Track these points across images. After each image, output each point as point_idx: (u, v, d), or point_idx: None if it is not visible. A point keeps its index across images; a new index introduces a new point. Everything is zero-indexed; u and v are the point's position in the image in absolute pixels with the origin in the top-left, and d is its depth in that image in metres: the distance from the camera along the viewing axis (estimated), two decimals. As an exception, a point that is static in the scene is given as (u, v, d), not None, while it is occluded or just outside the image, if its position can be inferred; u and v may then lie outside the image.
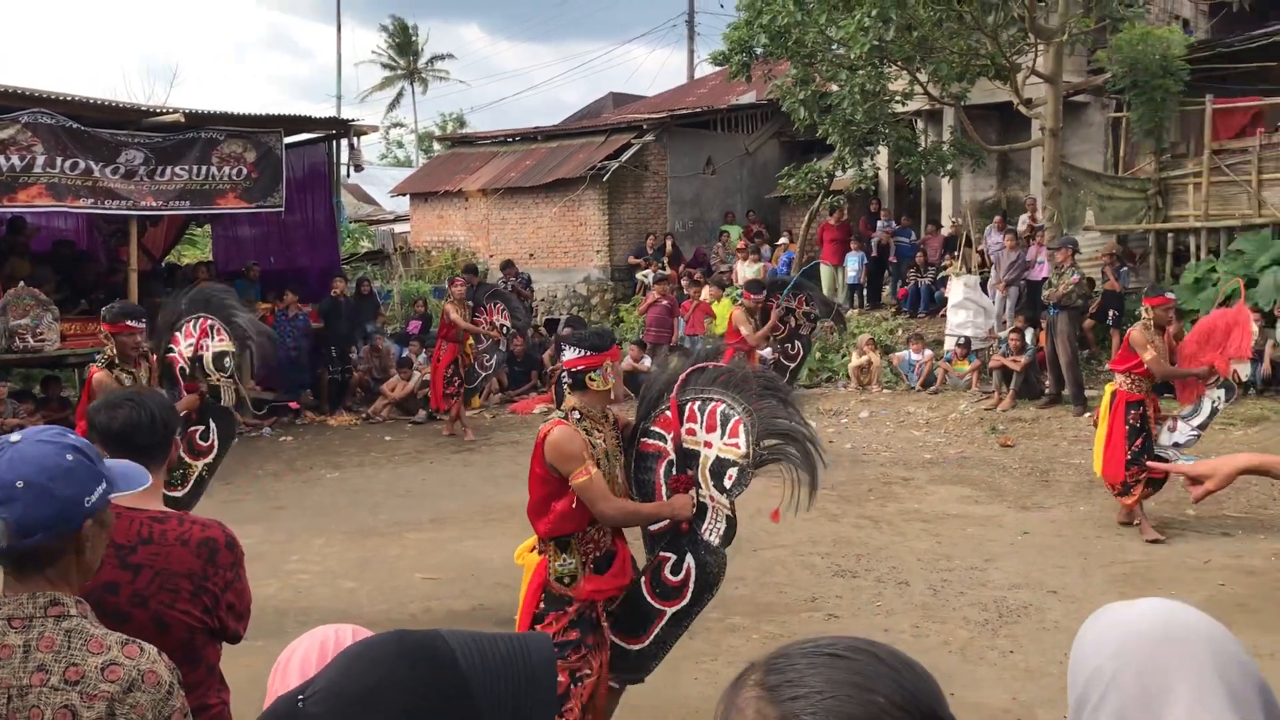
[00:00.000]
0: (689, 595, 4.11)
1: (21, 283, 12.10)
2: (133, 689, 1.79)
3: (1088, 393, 12.62)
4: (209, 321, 6.70)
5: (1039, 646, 5.89)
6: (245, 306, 7.42)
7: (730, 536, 4.08)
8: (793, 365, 10.88)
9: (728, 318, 11.17)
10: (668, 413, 4.14)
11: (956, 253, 16.19)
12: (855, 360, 14.68)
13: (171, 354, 6.64)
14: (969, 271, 15.21)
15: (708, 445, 4.03)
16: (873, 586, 7.02)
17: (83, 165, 11.85)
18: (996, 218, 15.81)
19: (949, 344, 14.54)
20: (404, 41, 51.18)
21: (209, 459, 6.52)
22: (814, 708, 1.00)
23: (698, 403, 4.08)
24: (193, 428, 6.44)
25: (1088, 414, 12.24)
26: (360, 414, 14.40)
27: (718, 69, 21.64)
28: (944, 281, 15.77)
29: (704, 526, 4.09)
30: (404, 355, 15.13)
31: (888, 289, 17.62)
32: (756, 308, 10.64)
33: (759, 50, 16.24)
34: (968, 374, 13.97)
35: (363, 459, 11.81)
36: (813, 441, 4.00)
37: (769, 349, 11.07)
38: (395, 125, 51.94)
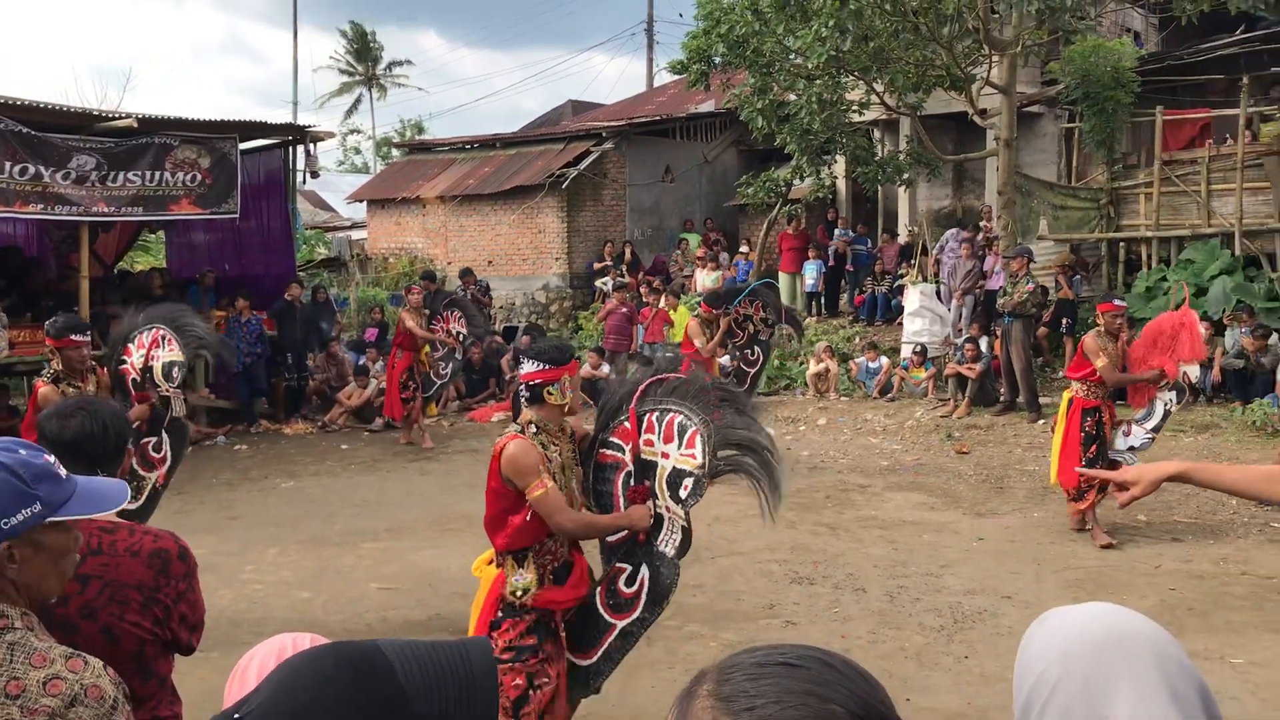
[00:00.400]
0: (640, 607, 4.09)
1: (-31, 289, 11.91)
2: (75, 704, 1.76)
3: (1042, 400, 12.76)
4: (160, 331, 6.62)
5: (994, 651, 5.94)
6: (199, 318, 7.34)
7: (685, 548, 4.07)
8: (753, 371, 10.95)
9: (685, 326, 11.22)
10: (626, 424, 4.13)
11: (913, 261, 16.34)
12: (813, 368, 14.76)
13: (124, 365, 6.56)
14: (925, 280, 15.35)
15: (665, 456, 4.02)
16: (830, 593, 7.06)
17: (32, 170, 11.67)
18: (963, 230, 15.92)
19: (905, 351, 14.67)
20: (362, 47, 50.97)
21: (162, 470, 6.44)
22: (770, 718, 0.99)
23: (656, 413, 4.07)
24: (145, 439, 6.35)
25: (1042, 421, 12.38)
26: (316, 422, 14.27)
27: (676, 77, 21.71)
28: (901, 290, 15.90)
29: (659, 538, 4.07)
30: (361, 363, 15.03)
31: (845, 297, 17.74)
32: (713, 320, 10.71)
33: (717, 59, 16.31)
34: (924, 381, 14.09)
35: (319, 468, 11.71)
36: (771, 451, 4.01)
37: (727, 357, 11.12)
38: (353, 131, 51.69)
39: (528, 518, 3.95)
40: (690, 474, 3.93)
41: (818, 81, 14.99)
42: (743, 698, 1.01)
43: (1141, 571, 7.47)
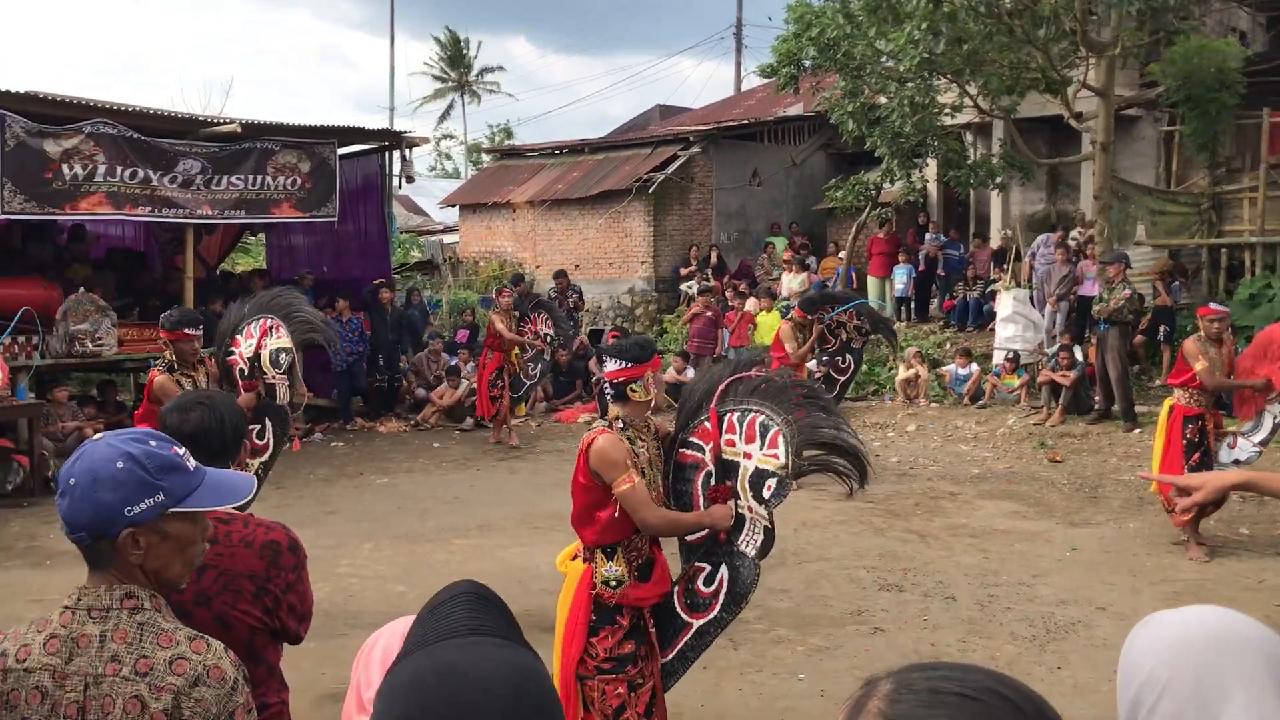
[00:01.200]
0: (718, 608, 4.10)
1: (81, 289, 12.37)
2: (198, 683, 1.84)
3: (1138, 409, 12.48)
4: (269, 321, 6.81)
5: (1088, 663, 5.84)
6: (299, 299, 7.50)
7: (767, 548, 4.06)
8: (843, 379, 10.87)
9: (773, 330, 11.19)
10: (706, 423, 4.14)
11: (1005, 266, 16.08)
12: (902, 374, 14.62)
13: (231, 356, 6.77)
14: (1018, 285, 15.09)
15: (747, 456, 4.02)
16: (919, 601, 7.00)
17: (142, 174, 12.10)
18: (1055, 234, 15.60)
19: (997, 358, 14.44)
20: (455, 54, 51.71)
21: (264, 457, 6.61)
22: None
23: (737, 413, 4.07)
24: (249, 426, 6.55)
25: (1137, 430, 12.11)
26: (409, 421, 14.56)
27: (765, 81, 21.69)
28: (993, 295, 15.67)
29: (740, 538, 4.07)
30: (453, 364, 15.28)
31: (935, 302, 17.53)
32: (806, 325, 10.66)
33: (807, 63, 16.24)
34: (1017, 389, 13.86)
35: (412, 465, 11.94)
36: (859, 450, 4.01)
37: (814, 362, 11.07)
38: (445, 137, 52.46)
39: (615, 513, 3.98)
40: (773, 474, 3.93)
41: (910, 84, 14.84)
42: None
43: (1244, 586, 7.28)
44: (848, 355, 10.87)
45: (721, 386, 4.16)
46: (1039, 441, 12.28)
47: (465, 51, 51.97)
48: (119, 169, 11.88)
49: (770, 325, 15.17)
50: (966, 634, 6.36)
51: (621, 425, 4.06)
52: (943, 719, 0.98)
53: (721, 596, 4.09)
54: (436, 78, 52.16)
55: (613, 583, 4.07)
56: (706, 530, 4.13)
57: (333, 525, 9.09)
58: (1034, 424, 12.88)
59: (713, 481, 4.13)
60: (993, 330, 15.15)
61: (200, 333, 6.45)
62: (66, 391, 12.10)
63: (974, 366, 14.33)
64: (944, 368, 14.81)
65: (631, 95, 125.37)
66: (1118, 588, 7.22)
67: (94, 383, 14.08)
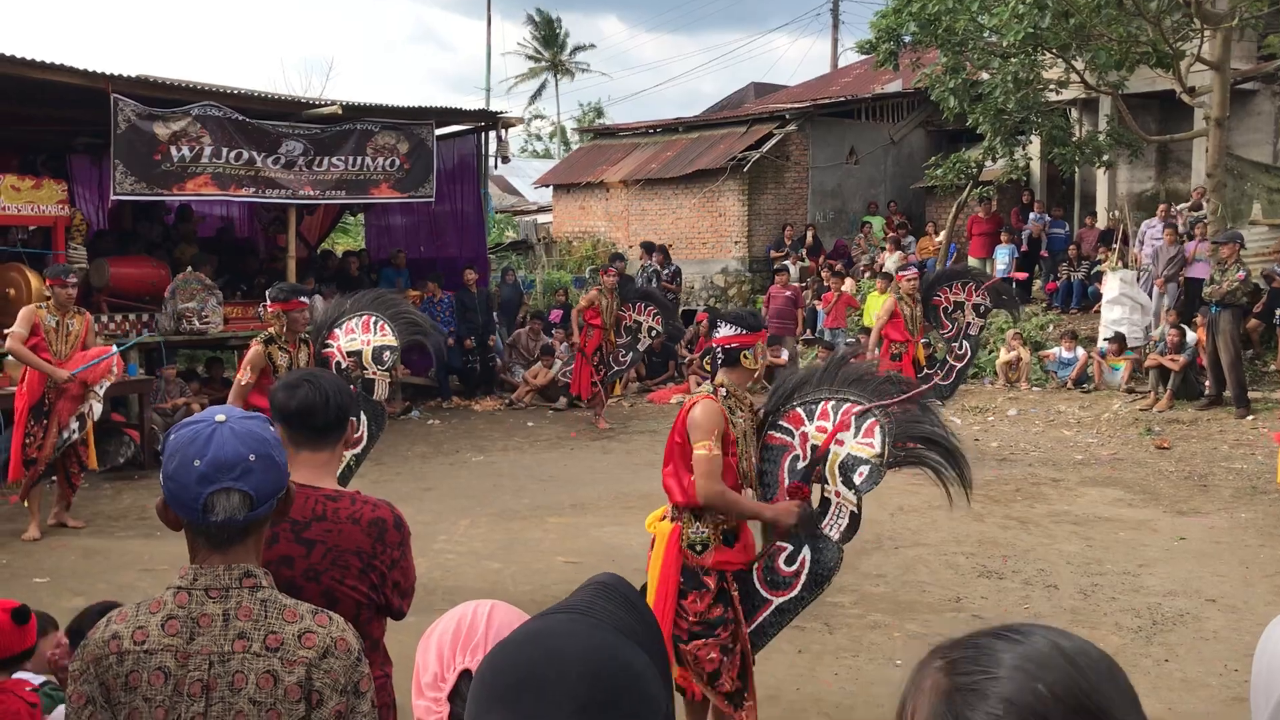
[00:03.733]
0: (798, 587, 4.12)
1: (189, 268, 12.73)
2: (327, 655, 1.87)
3: (1251, 395, 12.04)
4: (372, 317, 6.92)
5: (1197, 657, 5.66)
6: (404, 302, 7.65)
7: (851, 533, 4.06)
8: (959, 366, 10.58)
9: (881, 309, 10.93)
10: (798, 409, 4.17)
11: (1112, 246, 15.61)
12: (1003, 356, 14.30)
13: (328, 349, 6.88)
14: (1125, 266, 14.64)
15: (839, 443, 4.03)
16: (1020, 589, 6.85)
17: (246, 155, 12.39)
18: (1161, 207, 15.07)
19: (1103, 341, 14.04)
20: (549, 33, 51.90)
21: (357, 450, 6.71)
22: (978, 685, 1.01)
23: (832, 401, 4.09)
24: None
25: (1250, 416, 11.69)
26: (504, 399, 14.71)
27: (862, 58, 21.36)
28: (1098, 276, 15.23)
29: (825, 521, 4.08)
30: (547, 343, 15.39)
31: (1039, 283, 17.12)
32: (917, 300, 10.40)
33: (907, 38, 15.94)
34: (1123, 372, 13.47)
35: (506, 444, 12.06)
36: (957, 447, 3.97)
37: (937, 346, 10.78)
38: (536, 117, 52.75)
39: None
40: (867, 461, 3.92)
41: (1013, 60, 14.47)
42: (965, 663, 1.04)
43: (1364, 580, 6.98)
44: (965, 342, 10.55)
45: (818, 375, 4.22)
46: (1146, 428, 11.92)
47: (558, 31, 52.13)
48: (224, 150, 12.17)
49: (874, 307, 14.94)
50: (1069, 623, 6.20)
51: (725, 393, 4.14)
52: (991, 659, 1.02)
53: (803, 577, 4.11)
54: (530, 57, 52.43)
55: (698, 546, 4.13)
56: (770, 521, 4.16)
57: (430, 502, 9.23)
58: (1140, 409, 12.51)
59: (800, 465, 4.13)
60: (1098, 312, 14.73)
61: (310, 303, 6.76)
62: (175, 369, 12.49)
63: (1080, 350, 13.95)
64: (1046, 350, 14.45)
65: (724, 73, 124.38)
66: (1228, 579, 6.98)
67: (201, 360, 14.50)
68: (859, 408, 4.00)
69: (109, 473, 10.33)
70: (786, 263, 17.55)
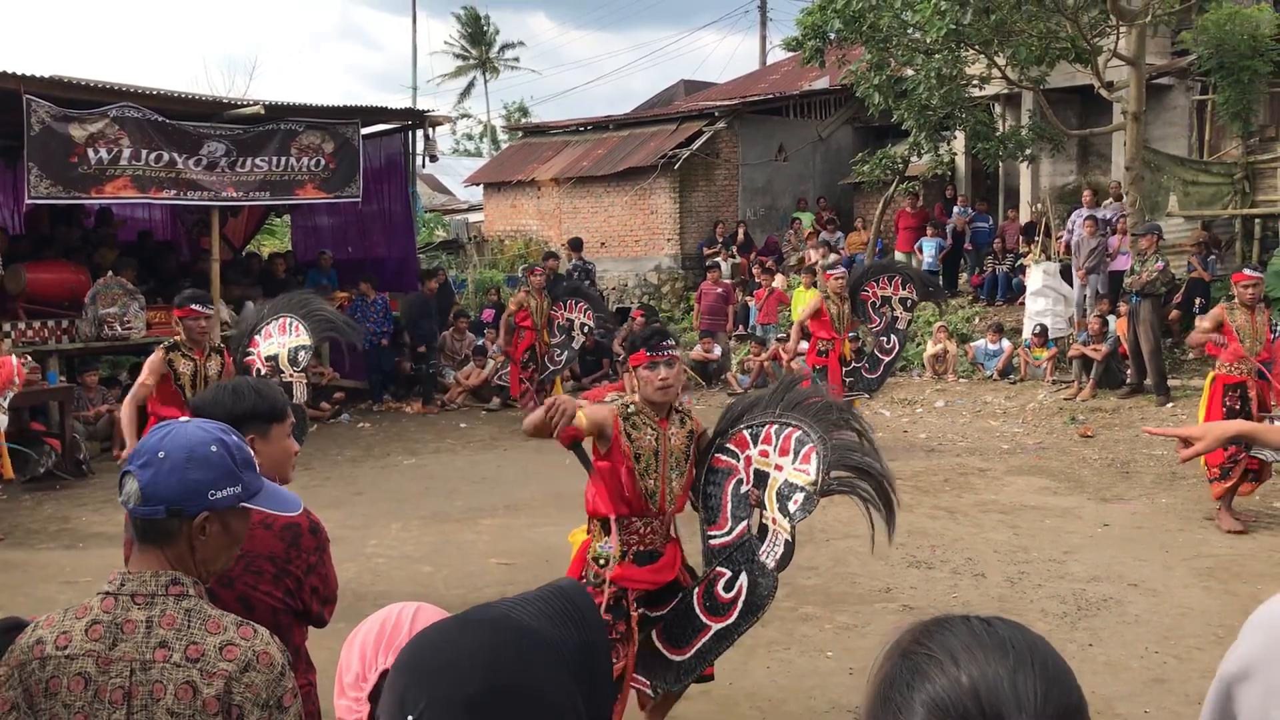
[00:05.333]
0: (735, 614, 4.08)
1: (110, 272, 12.45)
2: (248, 669, 1.84)
3: (1171, 383, 12.34)
4: (288, 319, 6.84)
5: (1119, 640, 5.79)
6: (325, 302, 7.54)
7: (786, 562, 4.02)
8: (887, 360, 10.70)
9: (807, 306, 11.00)
10: (744, 432, 4.17)
11: (1036, 239, 15.91)
12: (930, 349, 14.50)
13: (249, 356, 6.79)
14: (1049, 258, 14.92)
15: (778, 468, 4.01)
16: (948, 578, 6.96)
17: (167, 157, 12.15)
18: (1087, 193, 15.31)
19: (1027, 332, 14.30)
20: (476, 31, 51.59)
21: None
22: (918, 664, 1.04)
23: (775, 426, 4.08)
24: None
25: (1170, 404, 11.98)
26: (435, 401, 14.59)
27: (790, 55, 21.50)
28: (1022, 269, 15.51)
29: (762, 549, 4.04)
30: (479, 343, 15.29)
31: (964, 276, 17.38)
32: (844, 296, 10.48)
33: (833, 35, 16.07)
34: (1044, 362, 13.73)
35: (438, 445, 11.97)
36: (888, 480, 3.94)
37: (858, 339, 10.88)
38: (463, 116, 52.40)
39: (596, 483, 4.14)
40: (802, 489, 3.88)
41: (936, 56, 14.66)
42: (924, 644, 1.06)
43: (1278, 561, 7.18)
44: (892, 335, 10.67)
45: (765, 398, 4.22)
46: (1070, 416, 12.17)
47: (486, 28, 51.83)
48: (144, 152, 11.93)
49: (802, 303, 15.05)
50: (997, 611, 6.27)
51: (631, 411, 4.12)
52: (944, 638, 1.05)
53: (739, 604, 4.08)
54: (458, 55, 52.09)
55: (602, 559, 4.15)
56: (731, 537, 4.16)
57: (360, 506, 9.13)
58: (1064, 399, 12.77)
59: (742, 489, 4.15)
60: (1022, 304, 15.00)
61: (209, 311, 6.48)
62: (97, 375, 12.21)
63: (1005, 343, 14.19)
64: (972, 343, 14.68)
65: (654, 70, 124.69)
66: (1150, 564, 7.14)
67: (125, 365, 14.18)
68: (798, 432, 3.98)
69: (29, 483, 10.07)
70: (718, 259, 17.62)
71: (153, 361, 6.35)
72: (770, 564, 4.01)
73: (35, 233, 14.10)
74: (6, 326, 11.44)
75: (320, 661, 3.09)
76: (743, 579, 4.08)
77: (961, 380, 14.17)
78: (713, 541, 4.23)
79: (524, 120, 40.36)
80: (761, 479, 4.07)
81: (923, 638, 1.06)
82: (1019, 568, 7.10)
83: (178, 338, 6.51)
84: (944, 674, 1.01)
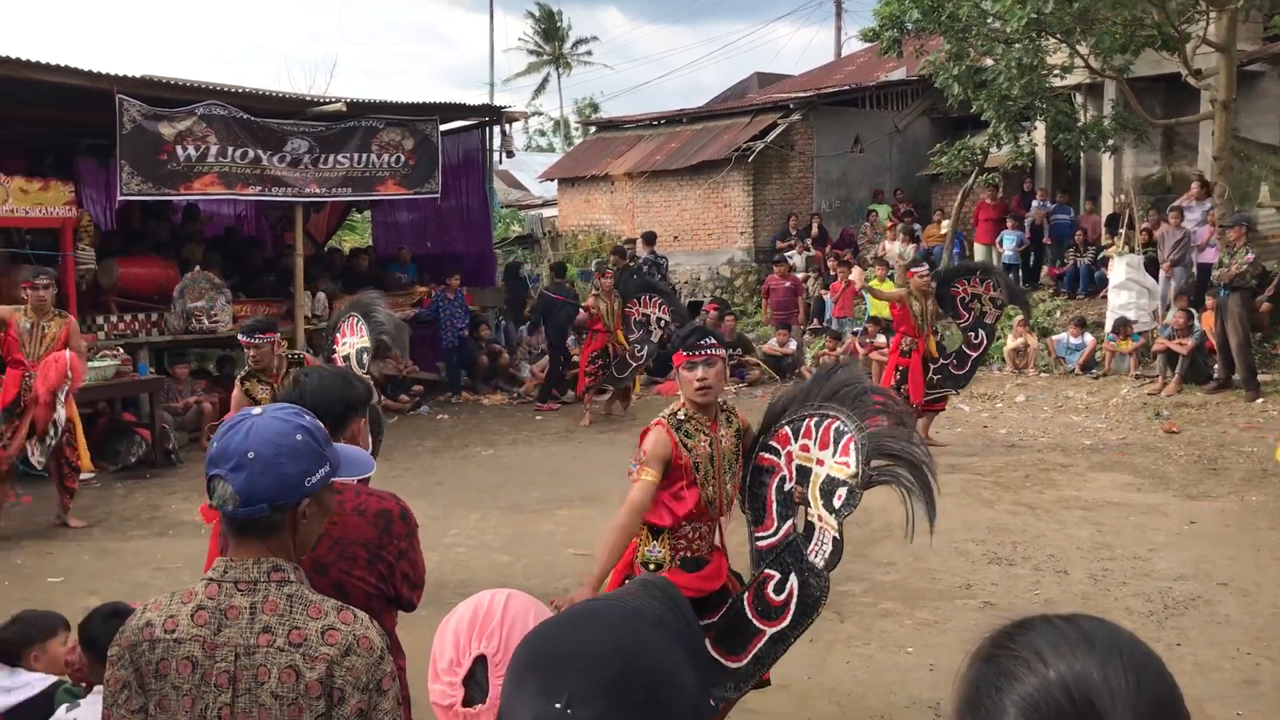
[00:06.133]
0: (789, 617, 3.97)
1: (197, 267, 12.78)
2: (349, 653, 1.88)
3: (1261, 378, 12.02)
4: (355, 319, 7.02)
5: (1208, 640, 5.66)
6: (384, 305, 7.63)
7: (836, 560, 3.90)
8: (975, 355, 10.59)
9: (891, 292, 10.93)
10: (786, 428, 4.08)
11: (1119, 231, 15.57)
12: (1010, 343, 14.28)
13: (334, 355, 7.02)
14: (1132, 251, 14.60)
15: (819, 463, 3.91)
16: (1030, 574, 6.86)
17: (252, 154, 12.41)
18: (1194, 185, 14.79)
19: (1109, 325, 14.01)
20: (550, 27, 51.86)
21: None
22: (1005, 665, 1.04)
23: (815, 418, 3.97)
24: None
25: (1260, 400, 11.67)
26: (512, 394, 14.74)
27: (866, 46, 21.30)
28: (1104, 261, 15.21)
29: (809, 548, 3.94)
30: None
31: (1044, 269, 17.09)
32: (929, 293, 10.41)
33: (910, 25, 15.87)
34: (1129, 356, 13.45)
35: (515, 437, 12.09)
36: (926, 466, 3.80)
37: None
38: (536, 113, 52.70)
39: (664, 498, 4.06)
40: (844, 483, 3.79)
41: (1017, 45, 14.43)
42: (1008, 646, 1.06)
43: (1375, 562, 6.97)
44: (981, 331, 10.56)
45: (804, 390, 4.13)
46: (1154, 412, 11.91)
47: (559, 24, 52.08)
48: (230, 149, 12.19)
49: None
50: (1080, 608, 6.18)
51: (681, 418, 4.08)
52: (1033, 640, 1.05)
53: (793, 606, 3.97)
54: (531, 51, 52.41)
55: (652, 564, 4.10)
56: (778, 537, 4.06)
57: (440, 496, 9.26)
58: (1149, 394, 12.49)
59: (787, 488, 4.05)
60: (1104, 297, 14.70)
61: (268, 338, 6.44)
62: (186, 368, 12.54)
63: (1087, 337, 13.92)
64: (1053, 337, 14.43)
65: (727, 64, 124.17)
66: (1240, 562, 6.97)
67: (212, 358, 14.54)
68: (837, 423, 3.88)
69: (121, 472, 10.39)
70: (790, 253, 17.53)
71: (235, 398, 6.37)
72: (819, 563, 3.91)
73: (126, 228, 14.51)
74: (99, 319, 11.79)
75: (409, 648, 3.15)
76: (793, 581, 3.98)
77: (1042, 375, 13.93)
78: (760, 543, 4.14)
79: (595, 115, 40.51)
80: (804, 474, 3.97)
81: (1006, 640, 1.06)
82: (1103, 565, 6.98)
83: (250, 365, 6.51)
84: (1032, 673, 1.01)
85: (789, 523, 4.06)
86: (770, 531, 4.11)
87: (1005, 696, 1.02)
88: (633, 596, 1.28)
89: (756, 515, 4.17)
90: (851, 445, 3.77)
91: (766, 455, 4.15)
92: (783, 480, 4.07)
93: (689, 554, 4.11)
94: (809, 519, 3.96)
